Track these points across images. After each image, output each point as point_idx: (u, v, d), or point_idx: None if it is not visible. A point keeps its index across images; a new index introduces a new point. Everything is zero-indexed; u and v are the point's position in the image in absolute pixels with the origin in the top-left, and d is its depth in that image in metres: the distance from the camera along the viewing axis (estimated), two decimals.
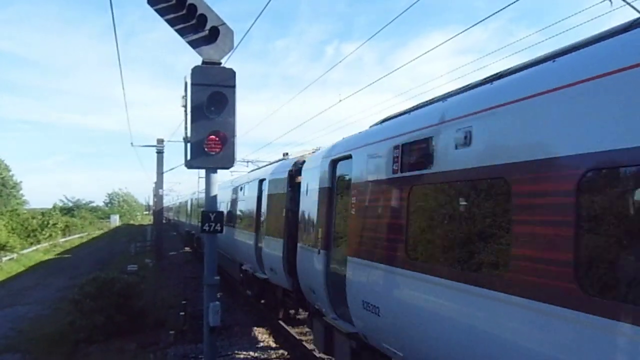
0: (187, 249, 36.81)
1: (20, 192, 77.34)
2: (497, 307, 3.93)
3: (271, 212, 12.36)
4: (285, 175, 11.27)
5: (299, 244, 9.70)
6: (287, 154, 18.35)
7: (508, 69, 5.03)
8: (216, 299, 7.76)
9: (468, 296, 4.31)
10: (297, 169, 10.87)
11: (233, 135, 7.47)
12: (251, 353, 10.98)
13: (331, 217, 8.07)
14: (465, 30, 9.80)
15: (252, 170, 17.69)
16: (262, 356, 10.83)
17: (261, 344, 11.76)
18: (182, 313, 13.29)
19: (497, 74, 5.12)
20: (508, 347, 3.83)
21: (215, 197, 8.03)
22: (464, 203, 4.76)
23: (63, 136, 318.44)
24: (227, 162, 7.57)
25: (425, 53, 10.28)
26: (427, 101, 6.34)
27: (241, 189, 16.52)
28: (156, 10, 7.23)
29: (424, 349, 5.21)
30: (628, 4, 7.18)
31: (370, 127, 7.73)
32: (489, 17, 8.30)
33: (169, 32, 7.43)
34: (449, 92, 5.86)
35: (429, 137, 5.22)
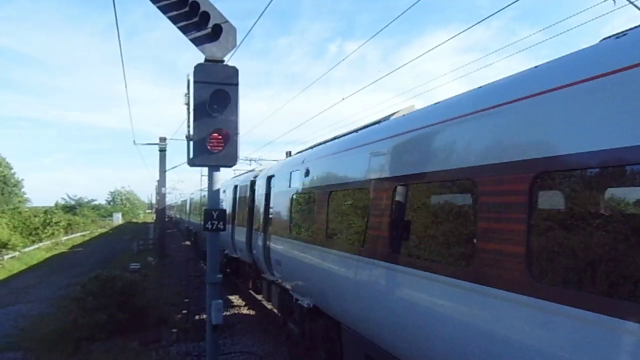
0: (187, 242, 41.86)
1: (22, 190, 77.46)
2: (313, 252, 8.24)
3: (240, 209, 16.40)
4: (248, 183, 15.23)
5: (253, 230, 13.83)
6: (290, 152, 19.83)
7: (339, 134, 9.19)
8: (219, 297, 7.75)
9: (314, 250, 8.23)
10: (255, 180, 14.67)
11: (236, 133, 7.45)
12: (254, 351, 10.98)
13: (268, 211, 12.35)
14: (468, 28, 9.75)
15: (233, 177, 20.72)
16: (264, 354, 10.82)
17: (263, 343, 11.74)
18: (184, 311, 13.29)
19: (333, 137, 9.40)
20: (326, 272, 7.66)
21: (218, 195, 8.01)
22: (308, 205, 9.06)
23: (64, 134, 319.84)
24: (230, 160, 7.55)
25: (428, 51, 10.29)
26: (308, 147, 10.72)
27: (224, 192, 20.38)
28: (159, 8, 7.22)
29: (298, 280, 9.42)
30: (631, 2, 7.14)
31: (288, 156, 12.96)
32: (491, 15, 8.26)
33: (172, 30, 7.42)
34: (314, 144, 10.56)
35: (298, 169, 9.72)
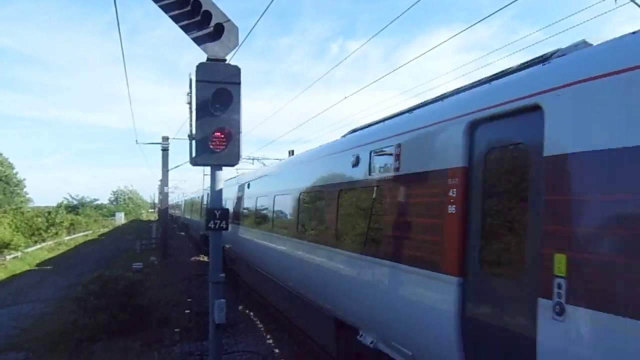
0: (182, 233, 51.89)
1: (24, 190, 77.42)
2: (244, 231, 16.01)
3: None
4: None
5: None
6: (292, 151, 20.82)
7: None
8: (222, 297, 7.73)
9: (246, 229, 15.36)
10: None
11: (238, 132, 7.43)
12: (257, 350, 10.96)
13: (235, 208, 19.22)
14: (469, 27, 9.72)
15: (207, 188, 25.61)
16: (268, 353, 10.80)
17: (267, 341, 11.73)
18: (187, 311, 13.28)
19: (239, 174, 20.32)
20: (230, 233, 12.98)
21: (220, 194, 7.99)
22: (240, 204, 17.46)
23: (65, 133, 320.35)
24: (233, 159, 7.53)
25: (430, 50, 10.38)
26: (240, 174, 20.22)
27: (200, 196, 27.70)
28: (161, 7, 7.19)
29: (231, 244, 17.72)
30: (632, 0, 7.09)
31: (241, 174, 20.04)
32: (492, 14, 8.24)
33: (174, 29, 7.43)
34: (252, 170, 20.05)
35: (242, 183, 17.17)
